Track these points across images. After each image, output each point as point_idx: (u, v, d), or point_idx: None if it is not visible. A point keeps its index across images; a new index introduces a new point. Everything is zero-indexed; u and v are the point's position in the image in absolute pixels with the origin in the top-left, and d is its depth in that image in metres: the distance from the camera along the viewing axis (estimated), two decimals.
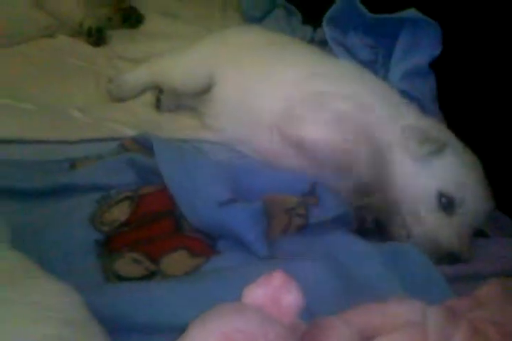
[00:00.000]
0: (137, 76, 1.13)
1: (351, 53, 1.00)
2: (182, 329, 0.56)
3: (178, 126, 1.04)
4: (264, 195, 0.81)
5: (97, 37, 1.34)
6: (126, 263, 0.72)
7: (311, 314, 0.60)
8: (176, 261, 0.74)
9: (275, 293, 0.56)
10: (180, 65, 1.07)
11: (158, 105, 1.10)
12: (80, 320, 0.49)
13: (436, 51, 0.99)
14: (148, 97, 1.13)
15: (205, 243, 0.77)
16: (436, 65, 1.05)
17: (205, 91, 1.04)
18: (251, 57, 0.99)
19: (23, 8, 1.30)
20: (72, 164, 0.90)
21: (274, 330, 0.52)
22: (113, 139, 0.95)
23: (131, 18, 1.44)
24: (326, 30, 1.03)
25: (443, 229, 0.77)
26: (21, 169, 0.88)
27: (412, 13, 0.99)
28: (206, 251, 0.76)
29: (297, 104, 0.83)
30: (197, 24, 1.49)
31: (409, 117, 0.84)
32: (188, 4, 1.60)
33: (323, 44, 1.30)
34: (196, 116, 1.07)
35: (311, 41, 1.36)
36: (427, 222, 0.78)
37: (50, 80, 1.17)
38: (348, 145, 0.78)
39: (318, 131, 0.81)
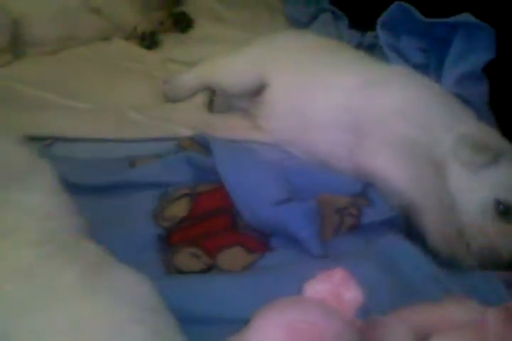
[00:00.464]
0: (190, 78, 1.17)
1: (403, 57, 1.01)
2: (242, 321, 0.59)
3: (229, 127, 1.07)
4: (315, 194, 0.83)
5: (150, 41, 1.39)
6: (185, 257, 0.76)
7: (365, 313, 0.62)
8: (231, 256, 0.77)
9: (336, 288, 0.58)
10: (231, 67, 1.10)
11: (210, 106, 1.13)
12: (158, 307, 0.52)
13: (490, 56, 0.99)
14: (201, 98, 1.17)
15: (260, 240, 0.80)
16: (488, 70, 1.05)
17: (255, 93, 1.06)
18: (303, 61, 1.01)
19: (82, 13, 1.36)
20: (132, 162, 0.94)
21: (335, 322, 0.54)
22: (169, 139, 0.99)
23: (182, 23, 1.49)
24: (380, 34, 1.05)
25: (502, 237, 0.77)
26: (83, 166, 0.93)
27: (465, 17, 0.99)
28: (260, 248, 0.79)
29: (365, 132, 0.86)
30: (245, 28, 1.52)
31: (466, 123, 0.85)
32: (236, 9, 1.64)
33: (371, 48, 1.31)
34: (247, 118, 1.10)
35: (359, 46, 1.37)
36: (486, 231, 0.78)
37: (106, 81, 1.22)
38: (416, 194, 0.80)
39: (388, 167, 0.82)
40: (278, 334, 0.52)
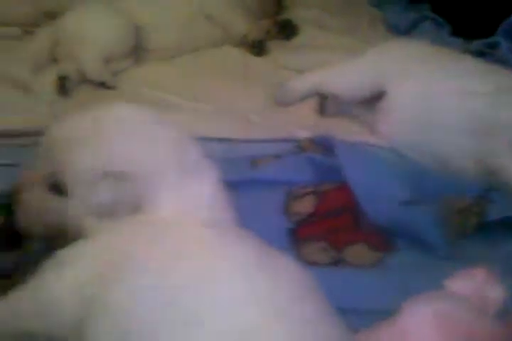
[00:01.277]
0: (302, 84, 1.22)
1: None
2: (376, 312, 0.63)
3: (343, 130, 1.10)
4: (438, 196, 0.86)
5: (259, 48, 1.46)
6: (314, 251, 0.81)
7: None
8: (358, 252, 0.81)
9: (480, 287, 0.60)
10: (347, 76, 1.14)
11: (321, 110, 1.18)
12: (316, 290, 0.57)
13: None
14: (312, 102, 1.22)
15: (384, 239, 0.83)
16: None
17: (370, 99, 1.10)
18: (426, 69, 1.03)
19: (197, 22, 1.45)
20: (254, 161, 1.00)
21: (479, 319, 0.57)
22: (288, 140, 1.05)
23: (288, 30, 1.55)
24: (501, 41, 1.05)
25: None
26: None
27: None
28: (385, 247, 0.82)
29: (494, 135, 0.88)
30: (346, 36, 1.56)
31: None
32: (337, 17, 1.68)
33: (478, 57, 1.31)
34: (360, 122, 1.13)
35: (463, 54, 1.37)
36: None
37: (221, 85, 1.30)
38: None
39: None
40: (430, 326, 0.55)
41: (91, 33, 1.32)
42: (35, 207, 0.67)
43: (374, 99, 1.10)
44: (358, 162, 0.88)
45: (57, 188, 0.65)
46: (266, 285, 0.53)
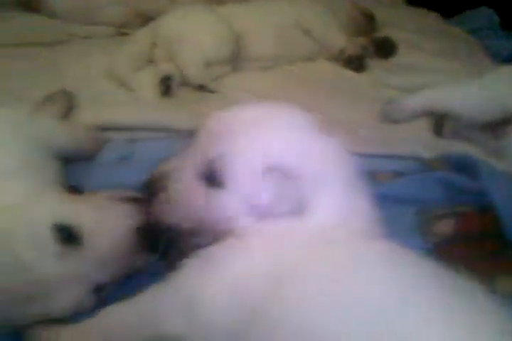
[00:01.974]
0: (415, 102, 1.15)
1: None
2: None
3: None
4: None
5: (357, 64, 1.41)
6: None
7: None
8: (508, 284, 0.72)
9: None
10: (473, 95, 1.07)
11: (437, 131, 1.11)
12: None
13: None
14: (422, 121, 1.15)
15: None
16: None
17: (494, 123, 1.03)
18: None
19: (294, 34, 1.42)
20: (373, 176, 0.93)
21: None
22: (409, 157, 0.98)
23: (386, 48, 1.50)
24: None
25: None
26: None
27: None
28: None
29: None
30: (445, 59, 1.50)
31: None
32: (433, 40, 1.63)
33: None
34: (479, 146, 1.06)
35: None
36: None
37: (323, 98, 1.25)
38: None
39: None
40: None
41: (194, 37, 1.29)
42: (179, 197, 0.61)
43: (498, 123, 1.03)
44: (506, 187, 0.80)
45: (212, 179, 0.59)
46: (458, 308, 0.47)
